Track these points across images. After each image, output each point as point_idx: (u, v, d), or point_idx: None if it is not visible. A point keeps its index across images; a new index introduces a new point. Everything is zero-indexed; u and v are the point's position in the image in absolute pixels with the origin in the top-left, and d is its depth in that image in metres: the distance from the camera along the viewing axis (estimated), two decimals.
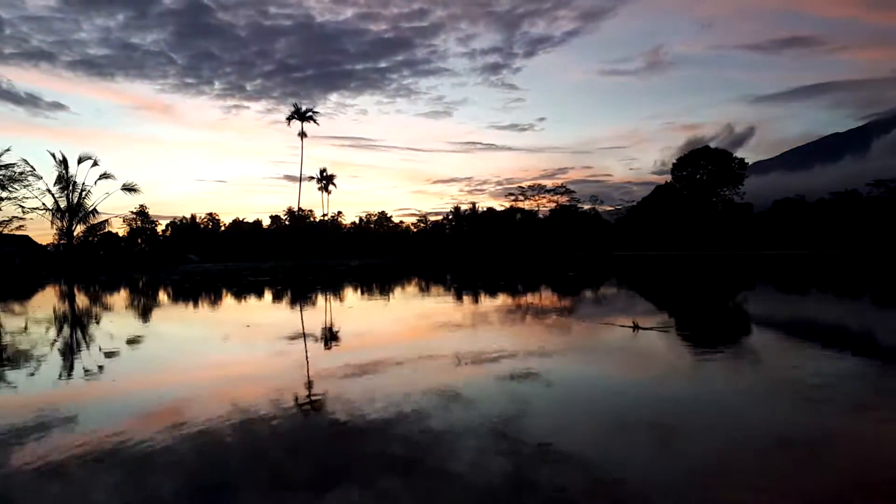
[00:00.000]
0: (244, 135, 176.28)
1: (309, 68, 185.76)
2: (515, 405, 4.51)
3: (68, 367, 6.68)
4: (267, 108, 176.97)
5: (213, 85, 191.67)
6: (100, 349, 7.91)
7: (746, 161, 74.53)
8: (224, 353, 7.80)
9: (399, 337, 8.98)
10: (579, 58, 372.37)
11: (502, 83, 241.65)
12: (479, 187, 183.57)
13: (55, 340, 8.88)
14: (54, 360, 7.20)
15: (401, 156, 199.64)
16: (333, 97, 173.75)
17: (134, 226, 77.64)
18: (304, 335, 8.93)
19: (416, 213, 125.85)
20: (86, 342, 8.83)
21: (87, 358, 7.24)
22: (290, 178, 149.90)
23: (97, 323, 11.44)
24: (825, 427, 3.98)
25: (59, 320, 11.90)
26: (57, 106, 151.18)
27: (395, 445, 3.63)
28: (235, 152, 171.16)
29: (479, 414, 4.28)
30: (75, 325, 11.06)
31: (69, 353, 7.78)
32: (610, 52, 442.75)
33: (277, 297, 17.60)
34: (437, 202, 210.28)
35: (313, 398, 4.92)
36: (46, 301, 17.97)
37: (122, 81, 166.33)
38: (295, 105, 64.62)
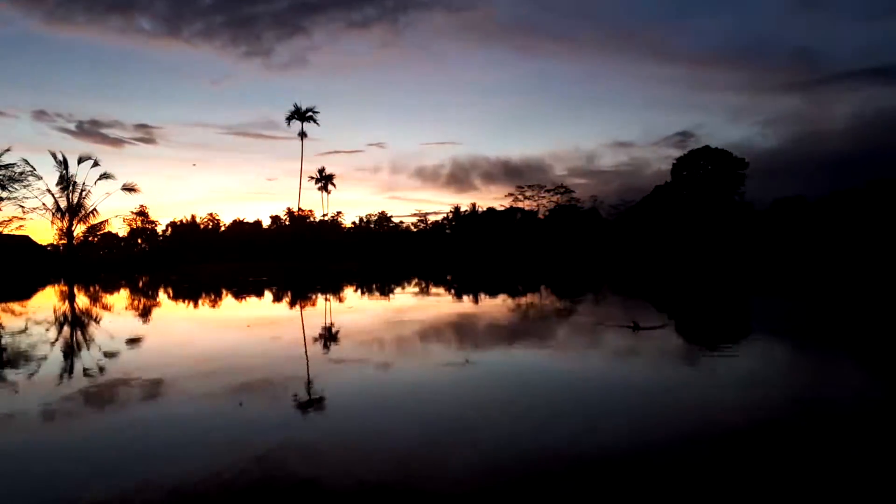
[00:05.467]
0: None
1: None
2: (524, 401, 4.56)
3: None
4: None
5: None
6: (101, 350, 7.94)
7: (747, 161, 74.29)
8: (224, 354, 7.81)
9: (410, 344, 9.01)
10: None
11: None
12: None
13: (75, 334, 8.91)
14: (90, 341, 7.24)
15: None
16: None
17: (134, 226, 77.62)
18: (303, 333, 8.94)
19: (416, 212, 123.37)
20: (90, 343, 8.85)
21: (90, 358, 7.26)
22: (270, 179, 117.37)
23: (101, 323, 11.47)
24: None
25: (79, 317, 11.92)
26: None
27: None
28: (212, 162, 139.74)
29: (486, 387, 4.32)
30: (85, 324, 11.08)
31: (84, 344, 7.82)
32: None
33: (277, 298, 17.64)
34: (421, 206, 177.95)
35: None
36: (47, 301, 18.00)
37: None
38: (295, 105, 64.31)
